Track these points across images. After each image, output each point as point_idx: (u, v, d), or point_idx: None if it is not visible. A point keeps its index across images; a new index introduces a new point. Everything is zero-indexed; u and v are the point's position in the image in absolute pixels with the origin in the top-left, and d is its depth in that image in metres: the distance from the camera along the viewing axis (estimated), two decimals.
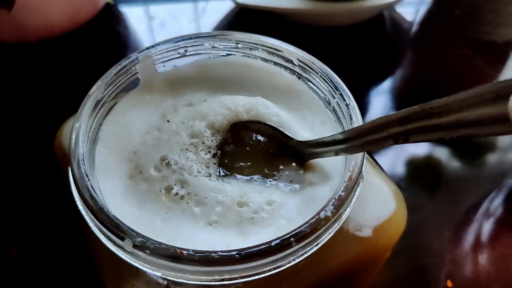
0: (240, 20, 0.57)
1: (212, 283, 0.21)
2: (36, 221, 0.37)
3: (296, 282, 0.24)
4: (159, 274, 0.21)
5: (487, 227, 0.41)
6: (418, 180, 0.45)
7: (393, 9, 0.61)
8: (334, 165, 0.26)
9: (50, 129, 0.40)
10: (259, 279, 0.21)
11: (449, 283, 0.37)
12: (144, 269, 0.21)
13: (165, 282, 0.23)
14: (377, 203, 0.26)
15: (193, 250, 0.20)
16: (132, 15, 0.57)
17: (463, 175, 0.45)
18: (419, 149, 0.47)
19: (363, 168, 0.23)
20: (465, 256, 0.39)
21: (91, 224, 0.22)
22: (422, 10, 0.62)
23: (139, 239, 0.20)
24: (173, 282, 0.23)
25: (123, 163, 0.26)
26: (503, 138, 0.48)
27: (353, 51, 0.54)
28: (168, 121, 0.27)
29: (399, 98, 0.51)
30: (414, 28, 0.60)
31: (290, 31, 0.53)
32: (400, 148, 0.46)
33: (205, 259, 0.20)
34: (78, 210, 0.23)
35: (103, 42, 0.53)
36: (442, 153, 0.46)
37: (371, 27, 0.57)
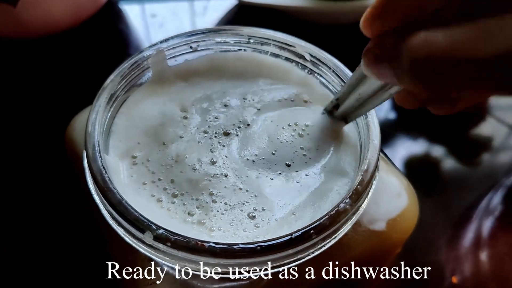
0: (242, 17, 0.57)
1: (232, 275, 0.21)
2: (48, 218, 0.36)
3: (307, 278, 0.24)
4: (178, 267, 0.21)
5: (487, 225, 0.41)
6: (416, 180, 0.46)
7: None
8: (348, 159, 0.26)
9: (54, 124, 0.39)
10: (276, 272, 0.21)
11: (454, 280, 0.37)
12: (163, 262, 0.21)
13: (183, 276, 0.23)
14: (390, 198, 0.27)
15: (214, 243, 0.20)
16: (133, 12, 0.57)
17: (461, 174, 0.45)
18: (417, 148, 0.47)
19: (378, 162, 0.24)
20: (467, 254, 0.39)
21: (108, 218, 0.22)
22: None
23: (160, 231, 0.20)
24: (190, 274, 0.22)
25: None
26: (499, 137, 0.49)
27: (354, 49, 0.54)
28: (185, 118, 0.27)
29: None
30: None
31: (291, 28, 0.54)
32: (398, 148, 0.47)
33: (226, 251, 0.20)
34: (94, 204, 0.23)
35: (105, 39, 0.53)
36: (439, 152, 0.47)
37: None
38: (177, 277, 0.22)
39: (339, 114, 0.26)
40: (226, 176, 0.25)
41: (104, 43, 0.52)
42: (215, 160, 0.25)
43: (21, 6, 0.41)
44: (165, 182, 0.24)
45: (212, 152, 0.26)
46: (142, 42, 0.54)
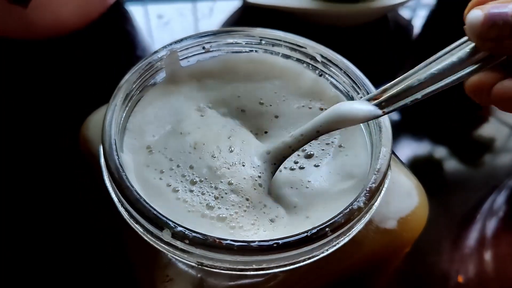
0: (247, 18, 0.57)
1: (249, 272, 0.21)
2: (62, 217, 0.37)
3: (324, 274, 0.24)
4: (195, 264, 0.21)
5: (491, 226, 0.42)
6: (420, 180, 0.46)
7: (397, 11, 0.62)
8: (356, 162, 0.27)
9: (65, 124, 0.40)
10: (291, 269, 0.22)
11: (459, 279, 0.38)
12: (181, 259, 0.21)
13: (199, 275, 0.23)
14: (400, 197, 0.27)
15: (232, 240, 0.20)
16: (140, 13, 0.57)
17: (464, 175, 0.46)
18: (420, 149, 0.48)
19: (390, 161, 0.24)
20: (471, 254, 0.39)
21: (126, 216, 0.22)
22: (425, 13, 0.63)
23: (178, 228, 0.20)
24: (206, 272, 0.23)
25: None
26: (501, 138, 0.49)
27: (358, 51, 0.55)
28: (202, 116, 0.28)
29: None
30: (417, 31, 0.61)
31: (296, 29, 0.54)
32: (402, 149, 0.47)
33: (244, 249, 0.20)
34: (110, 202, 0.23)
35: (112, 39, 0.53)
36: (443, 153, 0.47)
37: (375, 29, 0.58)
38: (194, 273, 0.23)
39: (379, 102, 0.24)
40: (243, 165, 0.25)
41: (111, 43, 0.53)
42: (233, 148, 0.26)
43: (31, 8, 0.41)
44: (183, 168, 0.25)
45: (229, 138, 0.26)
46: (148, 43, 0.55)
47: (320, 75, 0.30)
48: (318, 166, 0.27)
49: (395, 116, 0.50)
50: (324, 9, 0.52)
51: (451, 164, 0.46)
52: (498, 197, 0.44)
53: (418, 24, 0.62)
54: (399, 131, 0.49)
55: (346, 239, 0.22)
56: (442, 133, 0.49)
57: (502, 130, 0.50)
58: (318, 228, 0.21)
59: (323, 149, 0.27)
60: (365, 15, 0.55)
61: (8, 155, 0.41)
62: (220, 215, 0.23)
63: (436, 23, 0.61)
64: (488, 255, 0.39)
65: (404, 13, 0.63)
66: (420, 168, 0.46)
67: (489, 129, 0.50)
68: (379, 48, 0.57)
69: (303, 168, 0.27)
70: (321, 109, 0.29)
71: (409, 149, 0.47)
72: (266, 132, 0.28)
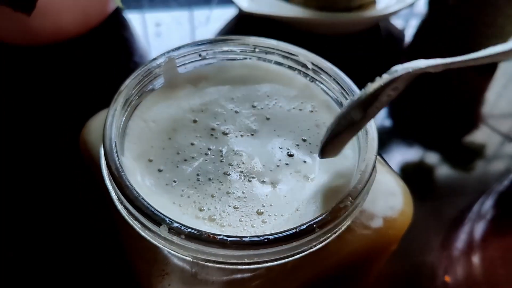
0: (243, 26, 0.59)
1: (240, 266, 0.22)
2: (64, 218, 0.38)
3: (313, 269, 0.26)
4: (190, 259, 0.22)
5: (479, 229, 0.43)
6: (412, 185, 0.47)
7: (389, 20, 0.64)
8: (346, 163, 0.28)
9: (64, 128, 0.41)
10: (279, 265, 0.23)
11: (447, 279, 0.39)
12: (176, 253, 0.22)
13: (194, 270, 0.24)
14: (386, 196, 0.28)
15: (225, 235, 0.21)
16: (138, 21, 0.59)
17: (455, 180, 0.47)
18: (412, 155, 0.49)
19: (376, 162, 0.25)
20: (459, 256, 0.40)
21: (125, 213, 0.23)
22: (416, 22, 0.65)
23: (175, 224, 0.22)
24: (201, 266, 0.24)
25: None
26: (492, 145, 0.50)
27: (350, 59, 0.56)
28: (195, 121, 0.29)
29: (393, 106, 0.54)
30: (408, 39, 0.63)
31: (290, 38, 0.56)
32: (394, 154, 0.48)
33: (236, 244, 0.21)
34: (111, 202, 0.24)
35: (110, 46, 0.54)
36: (434, 159, 0.49)
37: (368, 37, 0.60)
38: (188, 268, 0.24)
39: None
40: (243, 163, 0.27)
41: (110, 50, 0.54)
42: (221, 149, 0.27)
43: (33, 15, 0.42)
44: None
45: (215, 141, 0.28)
46: (146, 49, 0.56)
47: (312, 82, 0.31)
48: (308, 161, 0.28)
49: (387, 122, 0.52)
50: (317, 18, 0.53)
51: (442, 170, 0.47)
52: (486, 201, 0.45)
53: (409, 33, 0.64)
54: (390, 136, 0.50)
55: (334, 236, 0.24)
56: (434, 139, 0.50)
57: (493, 138, 0.51)
58: (306, 225, 0.22)
59: (316, 146, 0.29)
60: (357, 24, 0.57)
61: (9, 158, 0.42)
62: (211, 216, 0.25)
63: (427, 32, 0.62)
64: (476, 258, 0.40)
65: (396, 22, 0.64)
66: (412, 172, 0.47)
67: (480, 135, 0.51)
68: (371, 57, 0.58)
69: (294, 160, 0.28)
70: (311, 111, 0.30)
71: (401, 154, 0.48)
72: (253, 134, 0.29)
